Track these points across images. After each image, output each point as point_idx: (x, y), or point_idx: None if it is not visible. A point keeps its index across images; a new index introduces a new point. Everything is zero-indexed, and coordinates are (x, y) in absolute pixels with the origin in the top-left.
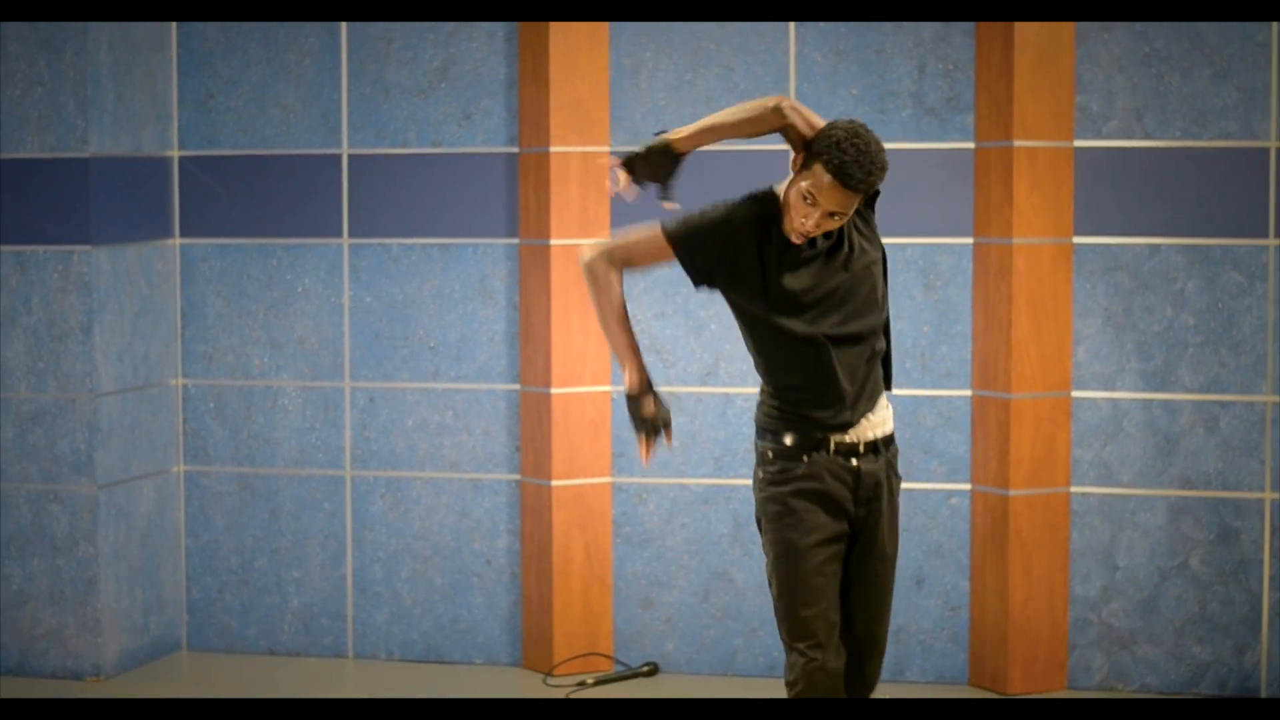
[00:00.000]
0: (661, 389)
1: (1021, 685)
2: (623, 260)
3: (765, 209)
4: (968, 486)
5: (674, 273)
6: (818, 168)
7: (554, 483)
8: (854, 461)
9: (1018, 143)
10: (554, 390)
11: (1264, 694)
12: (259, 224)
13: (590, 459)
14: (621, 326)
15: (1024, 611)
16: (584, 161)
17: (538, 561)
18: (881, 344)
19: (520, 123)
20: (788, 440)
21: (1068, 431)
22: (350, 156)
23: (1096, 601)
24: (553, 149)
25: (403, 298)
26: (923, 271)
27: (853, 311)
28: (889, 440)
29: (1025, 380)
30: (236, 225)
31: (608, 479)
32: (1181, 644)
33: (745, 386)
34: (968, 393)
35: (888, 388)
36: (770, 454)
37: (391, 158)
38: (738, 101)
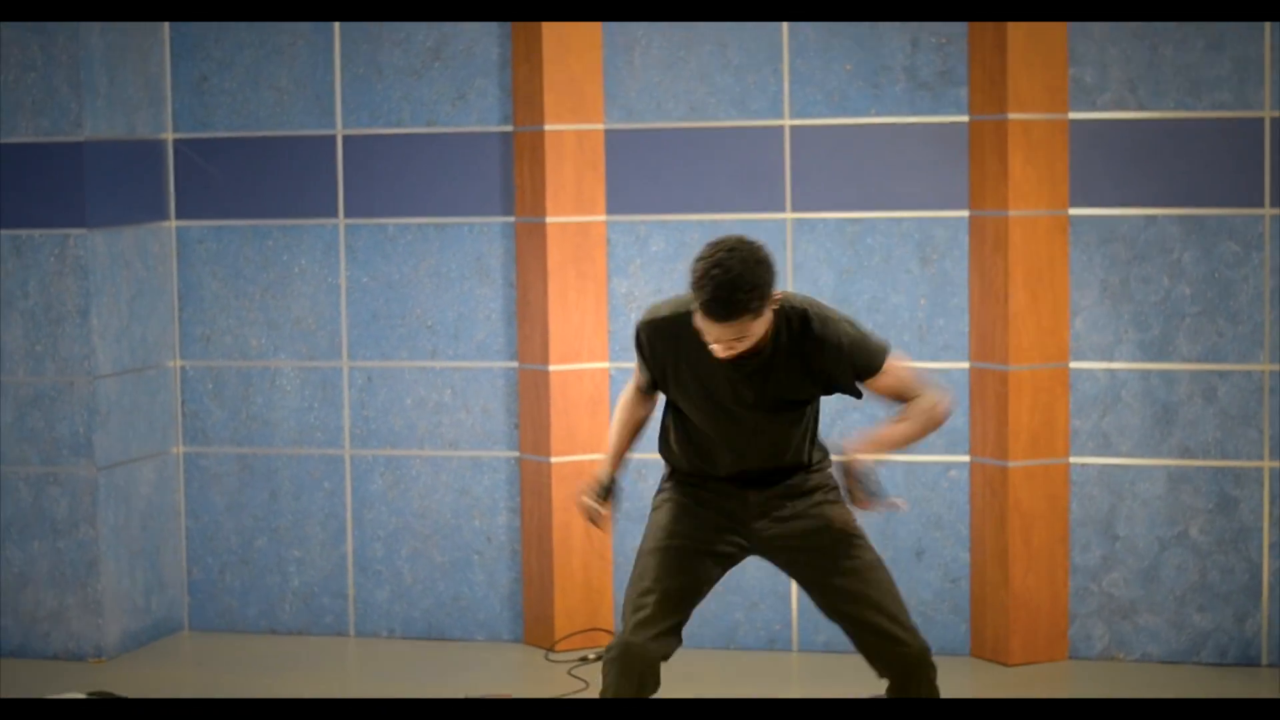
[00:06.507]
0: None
1: (1023, 655)
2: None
3: (672, 327)
4: (966, 458)
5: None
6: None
7: (553, 459)
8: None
9: (1012, 115)
10: (552, 367)
11: (1265, 662)
12: (254, 205)
13: (589, 435)
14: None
15: (1024, 582)
16: (578, 140)
17: (538, 538)
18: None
19: (514, 102)
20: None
21: (1066, 402)
22: (345, 137)
23: (1097, 571)
24: (547, 127)
25: (399, 277)
26: (919, 245)
27: (752, 428)
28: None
29: (1023, 352)
30: (232, 207)
31: None
32: (1182, 613)
33: None
34: (965, 365)
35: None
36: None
37: (386, 138)
38: (730, 78)
